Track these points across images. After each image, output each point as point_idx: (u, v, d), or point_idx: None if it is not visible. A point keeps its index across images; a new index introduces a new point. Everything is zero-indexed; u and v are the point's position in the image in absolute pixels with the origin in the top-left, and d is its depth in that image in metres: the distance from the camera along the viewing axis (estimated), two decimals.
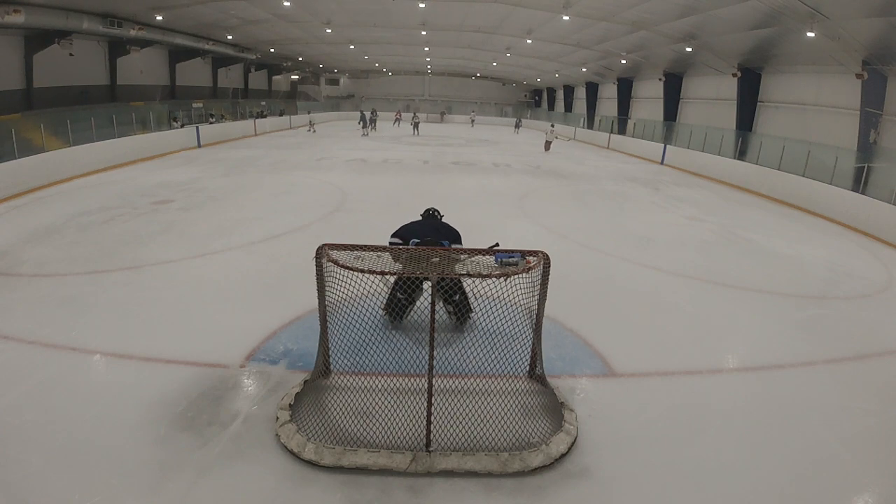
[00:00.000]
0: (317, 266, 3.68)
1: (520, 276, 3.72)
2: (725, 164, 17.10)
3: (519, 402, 4.03)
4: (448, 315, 5.07)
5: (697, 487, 3.32)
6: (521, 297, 3.83)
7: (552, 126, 25.32)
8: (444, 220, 5.50)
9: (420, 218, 5.39)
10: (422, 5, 17.49)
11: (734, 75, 17.64)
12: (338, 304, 3.84)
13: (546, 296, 3.97)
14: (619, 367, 4.73)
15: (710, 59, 18.21)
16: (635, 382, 4.55)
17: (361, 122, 29.70)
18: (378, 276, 3.55)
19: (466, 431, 3.57)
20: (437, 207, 5.60)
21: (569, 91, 36.70)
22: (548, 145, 23.93)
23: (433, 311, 3.56)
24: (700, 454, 3.63)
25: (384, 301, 5.13)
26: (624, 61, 22.92)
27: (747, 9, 12.48)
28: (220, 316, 5.44)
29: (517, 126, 37.05)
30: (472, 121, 39.74)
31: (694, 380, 4.65)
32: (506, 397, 4.07)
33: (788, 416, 4.13)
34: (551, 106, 41.86)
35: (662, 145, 21.55)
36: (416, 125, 30.57)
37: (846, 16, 11.06)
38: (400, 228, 5.04)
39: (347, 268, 3.48)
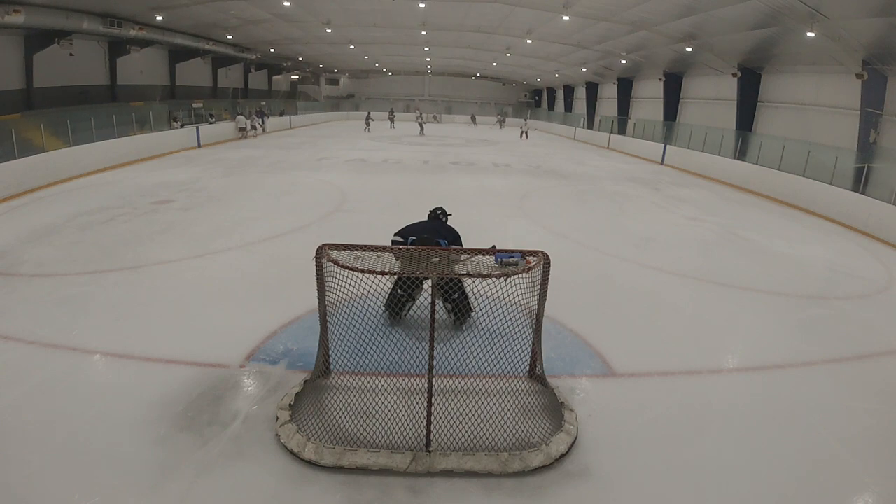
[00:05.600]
0: (317, 266, 3.68)
1: (520, 276, 3.72)
2: (725, 164, 17.10)
3: (519, 402, 4.04)
4: (447, 313, 5.08)
5: (697, 487, 3.32)
6: (521, 297, 3.83)
7: (525, 120, 33.39)
8: (449, 220, 5.51)
9: (426, 218, 5.41)
10: (422, 5, 17.50)
11: (734, 75, 17.64)
12: (338, 304, 3.84)
13: (546, 296, 3.97)
14: (619, 367, 4.73)
15: (710, 59, 18.21)
16: (635, 382, 4.55)
17: (366, 123, 31.80)
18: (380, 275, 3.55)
19: (466, 431, 3.57)
20: (444, 207, 5.61)
21: (569, 91, 36.70)
22: (523, 134, 30.79)
23: (433, 311, 3.56)
24: (700, 454, 3.63)
25: (385, 298, 5.14)
26: (624, 61, 22.93)
27: (747, 9, 12.48)
28: (220, 316, 5.44)
29: (501, 124, 38.66)
30: (474, 118, 40.27)
31: (694, 380, 4.65)
32: (506, 397, 4.07)
33: (788, 416, 4.13)
34: (551, 106, 41.88)
35: (662, 145, 21.55)
36: (421, 126, 32.06)
37: (846, 16, 11.06)
38: (403, 228, 5.07)
39: (347, 268, 3.48)
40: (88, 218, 9.12)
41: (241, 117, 24.47)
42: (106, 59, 19.33)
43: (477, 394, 3.99)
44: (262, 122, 26.75)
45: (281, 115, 31.21)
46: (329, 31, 22.81)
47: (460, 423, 3.63)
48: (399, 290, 4.81)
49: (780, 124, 16.57)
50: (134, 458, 3.33)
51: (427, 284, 4.49)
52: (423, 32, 23.47)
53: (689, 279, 7.25)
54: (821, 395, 4.49)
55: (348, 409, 3.79)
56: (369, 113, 32.58)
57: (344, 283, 3.60)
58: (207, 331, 5.09)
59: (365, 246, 3.80)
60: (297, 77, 39.62)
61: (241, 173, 14.48)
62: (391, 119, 34.43)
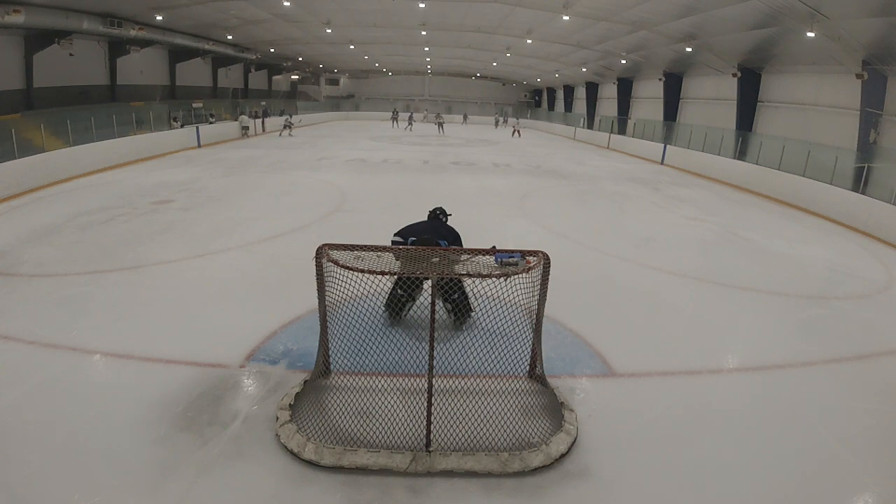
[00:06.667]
0: (317, 266, 3.68)
1: (520, 276, 3.72)
2: (725, 164, 17.11)
3: (519, 402, 4.03)
4: (447, 313, 5.08)
5: (697, 487, 3.32)
6: (521, 297, 3.83)
7: (517, 120, 35.47)
8: (449, 220, 5.52)
9: (426, 218, 5.42)
10: (422, 5, 17.50)
11: (734, 75, 17.64)
12: (338, 304, 3.84)
13: (546, 296, 3.97)
14: (619, 367, 4.73)
15: (710, 59, 18.21)
16: (635, 382, 4.55)
17: (395, 120, 34.30)
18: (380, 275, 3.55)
19: (466, 431, 3.57)
20: (444, 207, 5.61)
21: (569, 91, 36.69)
22: (515, 132, 31.91)
23: (433, 311, 3.56)
24: (700, 454, 3.63)
25: (385, 298, 5.14)
26: (624, 61, 22.92)
27: (747, 9, 12.49)
28: (220, 316, 5.44)
29: (497, 123, 39.24)
30: (465, 117, 41.66)
31: (694, 380, 4.65)
32: (506, 397, 4.07)
33: (788, 416, 4.13)
34: (551, 106, 41.88)
35: (662, 145, 21.55)
36: (440, 125, 32.70)
37: (846, 16, 11.06)
38: (403, 228, 5.07)
39: (347, 268, 3.48)
40: (88, 218, 9.12)
41: (243, 116, 24.73)
42: (106, 59, 19.32)
43: (477, 394, 3.99)
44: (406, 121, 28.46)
45: (281, 115, 31.20)
46: (329, 31, 22.81)
47: (460, 423, 3.63)
48: (399, 291, 4.81)
49: (780, 124, 16.57)
50: (134, 458, 3.33)
51: (427, 284, 4.49)
52: (423, 32, 23.47)
53: (689, 279, 7.25)
54: (821, 395, 4.49)
55: (348, 409, 3.79)
56: (410, 114, 33.60)
57: (344, 283, 3.60)
58: (207, 331, 5.09)
59: (365, 246, 3.80)
60: (297, 77, 39.62)
61: (241, 173, 14.48)
62: (394, 119, 34.87)
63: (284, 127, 26.66)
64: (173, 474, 3.20)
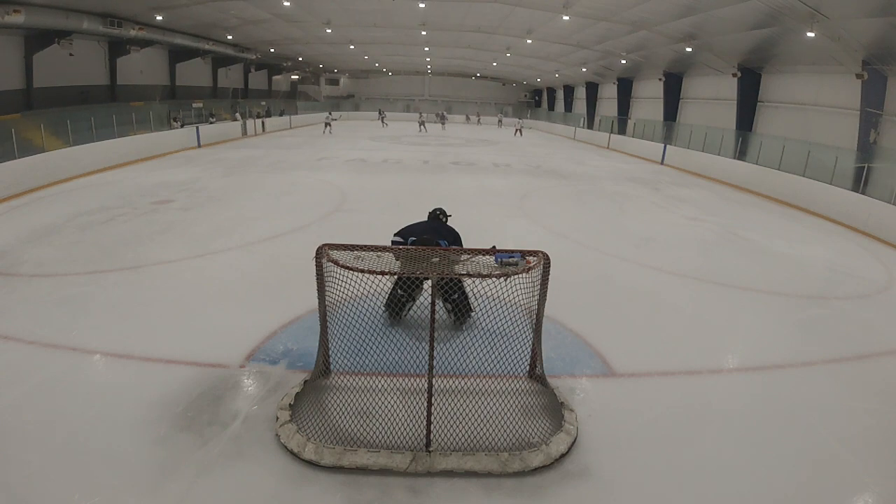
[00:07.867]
0: (317, 266, 3.68)
1: (520, 276, 3.72)
2: (725, 164, 17.11)
3: (519, 402, 4.03)
4: (447, 313, 5.08)
5: (697, 487, 3.32)
6: (521, 297, 3.83)
7: (519, 120, 35.70)
8: (449, 220, 5.52)
9: (426, 218, 5.42)
10: (422, 5, 17.51)
11: (734, 75, 17.65)
12: (338, 304, 3.84)
13: (546, 296, 3.97)
14: (619, 367, 4.73)
15: (710, 59, 18.21)
16: (635, 382, 4.55)
17: (381, 119, 36.22)
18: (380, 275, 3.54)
19: (466, 431, 3.57)
20: (443, 208, 5.61)
21: (569, 91, 36.71)
22: (517, 132, 32.69)
23: (433, 311, 3.55)
24: (700, 454, 3.63)
25: (385, 298, 5.14)
26: (624, 61, 22.93)
27: (747, 9, 12.49)
28: (220, 316, 5.44)
29: (499, 122, 39.72)
30: (468, 118, 42.05)
31: (694, 380, 4.65)
32: (506, 397, 4.07)
33: (788, 416, 4.13)
34: (551, 106, 41.90)
35: (662, 145, 21.55)
36: (422, 123, 33.44)
37: (846, 16, 11.07)
38: (403, 228, 5.08)
39: (347, 268, 3.48)
40: (88, 218, 9.12)
41: (238, 115, 25.32)
42: (106, 59, 19.33)
43: (477, 394, 3.99)
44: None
45: (281, 115, 31.22)
46: (329, 31, 22.83)
47: (460, 423, 3.63)
48: (399, 291, 4.81)
49: (780, 124, 16.57)
50: (134, 458, 3.33)
51: (427, 284, 4.48)
52: (423, 32, 23.48)
53: (689, 279, 7.25)
54: (821, 395, 4.49)
55: (348, 409, 3.79)
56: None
57: (344, 283, 3.60)
58: (207, 331, 5.09)
59: (365, 246, 3.80)
60: (297, 77, 39.65)
61: (241, 173, 14.48)
62: (382, 118, 36.45)
63: (326, 125, 28.76)
64: (173, 474, 3.20)
